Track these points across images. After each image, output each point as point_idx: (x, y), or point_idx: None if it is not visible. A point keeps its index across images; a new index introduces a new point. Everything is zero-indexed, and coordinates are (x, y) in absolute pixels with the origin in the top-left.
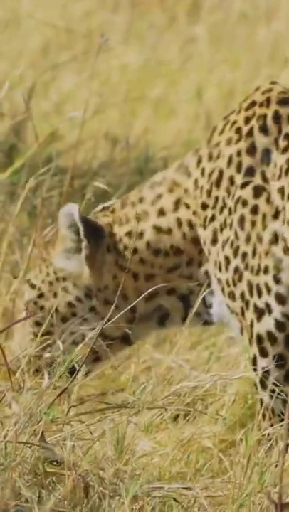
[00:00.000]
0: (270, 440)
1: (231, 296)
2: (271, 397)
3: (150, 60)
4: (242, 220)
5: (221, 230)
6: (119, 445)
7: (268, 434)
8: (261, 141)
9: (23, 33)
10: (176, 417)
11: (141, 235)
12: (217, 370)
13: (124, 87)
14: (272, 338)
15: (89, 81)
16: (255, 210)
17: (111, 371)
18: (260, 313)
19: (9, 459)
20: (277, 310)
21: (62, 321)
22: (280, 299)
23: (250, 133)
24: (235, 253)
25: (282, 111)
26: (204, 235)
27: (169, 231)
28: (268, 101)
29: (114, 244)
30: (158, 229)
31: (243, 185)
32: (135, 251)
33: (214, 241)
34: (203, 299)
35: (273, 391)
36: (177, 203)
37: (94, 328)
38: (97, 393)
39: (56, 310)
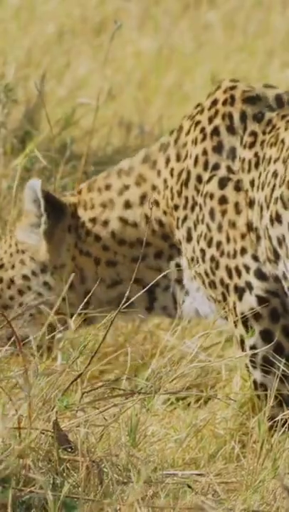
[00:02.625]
0: (283, 425)
1: (212, 285)
2: (263, 376)
3: (164, 47)
4: (212, 212)
5: (195, 227)
6: (133, 431)
7: (281, 420)
8: (228, 139)
9: (38, 20)
10: (188, 404)
11: (106, 223)
12: (229, 355)
13: (138, 73)
14: (255, 315)
15: (103, 68)
16: (223, 200)
17: (124, 357)
18: (241, 293)
19: (23, 445)
20: (258, 286)
21: (18, 293)
22: (261, 276)
23: (216, 132)
24: (210, 244)
25: (248, 110)
26: (179, 234)
27: (135, 225)
28: (232, 99)
29: (75, 226)
30: (124, 221)
31: (209, 180)
32: (98, 238)
33: (189, 239)
34: (173, 294)
35: (266, 371)
36: (143, 198)
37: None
38: (110, 379)
39: (13, 281)
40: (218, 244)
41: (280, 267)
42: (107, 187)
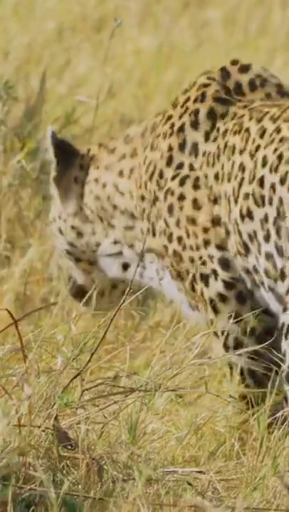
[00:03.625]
0: (283, 423)
1: (179, 277)
2: (237, 357)
3: (164, 45)
4: (170, 208)
5: (156, 221)
6: (133, 429)
7: (281, 417)
8: (191, 135)
9: (38, 18)
10: (188, 402)
11: (104, 185)
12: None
13: (138, 71)
14: (223, 298)
15: (103, 65)
16: (182, 197)
17: (124, 354)
18: (206, 279)
19: (24, 443)
20: (223, 274)
21: (58, 232)
22: (225, 264)
23: (181, 128)
24: (170, 239)
25: (217, 109)
26: (142, 225)
27: (122, 195)
28: (203, 96)
29: (82, 179)
30: (116, 188)
31: (173, 178)
32: (98, 198)
33: (154, 234)
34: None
35: (238, 351)
36: (132, 171)
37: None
38: (110, 377)
39: (53, 220)
40: (179, 239)
41: (250, 261)
42: (113, 150)
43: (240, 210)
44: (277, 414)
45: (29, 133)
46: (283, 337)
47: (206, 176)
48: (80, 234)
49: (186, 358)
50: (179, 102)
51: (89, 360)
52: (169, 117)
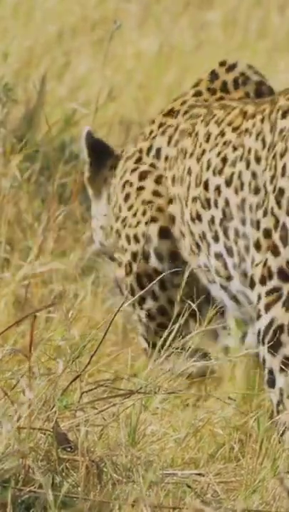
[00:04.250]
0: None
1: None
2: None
3: (164, 46)
4: (127, 196)
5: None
6: (132, 431)
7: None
8: (158, 140)
9: (38, 20)
10: (186, 404)
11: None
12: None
13: (138, 72)
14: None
15: (103, 67)
16: (140, 188)
17: (123, 356)
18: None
19: (23, 445)
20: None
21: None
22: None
23: (153, 135)
24: (117, 220)
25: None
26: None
27: None
28: (177, 112)
29: (110, 180)
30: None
31: (132, 171)
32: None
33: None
34: None
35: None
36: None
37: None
38: (110, 379)
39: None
40: (124, 219)
41: (201, 259)
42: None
43: (190, 213)
44: (277, 417)
45: (29, 135)
46: (260, 343)
47: (165, 178)
48: (107, 235)
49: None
50: (162, 112)
51: (88, 363)
52: (152, 122)
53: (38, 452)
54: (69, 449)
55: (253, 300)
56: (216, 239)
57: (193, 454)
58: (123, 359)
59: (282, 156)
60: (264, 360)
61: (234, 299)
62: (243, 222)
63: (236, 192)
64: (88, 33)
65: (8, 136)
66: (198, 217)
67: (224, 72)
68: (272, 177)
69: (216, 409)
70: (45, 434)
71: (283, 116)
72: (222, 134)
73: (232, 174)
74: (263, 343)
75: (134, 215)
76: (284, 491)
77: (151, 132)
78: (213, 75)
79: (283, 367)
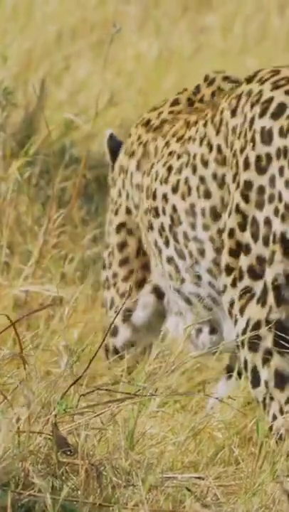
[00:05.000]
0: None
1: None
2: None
3: (164, 50)
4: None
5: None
6: (131, 434)
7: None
8: (131, 164)
9: (37, 22)
10: (182, 406)
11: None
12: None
13: (138, 76)
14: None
15: (103, 70)
16: (119, 194)
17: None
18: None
19: (22, 449)
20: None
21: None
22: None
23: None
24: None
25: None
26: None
27: None
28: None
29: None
30: None
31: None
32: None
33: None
34: None
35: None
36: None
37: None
38: (109, 383)
39: None
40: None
41: (159, 267)
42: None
43: (146, 224)
44: (277, 420)
45: (29, 139)
46: (241, 347)
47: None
48: None
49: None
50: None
51: (88, 367)
52: (144, 120)
53: (37, 456)
54: (68, 453)
55: (224, 304)
56: (167, 244)
57: (193, 457)
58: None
59: (242, 151)
60: (246, 362)
61: (187, 300)
62: (193, 226)
63: (183, 198)
64: (87, 35)
65: (8, 139)
66: (151, 227)
67: (205, 86)
68: (235, 175)
69: (215, 412)
70: (44, 437)
71: (233, 115)
72: (167, 145)
73: (178, 181)
74: (243, 346)
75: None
76: (283, 494)
77: (131, 145)
78: (196, 89)
79: (266, 359)
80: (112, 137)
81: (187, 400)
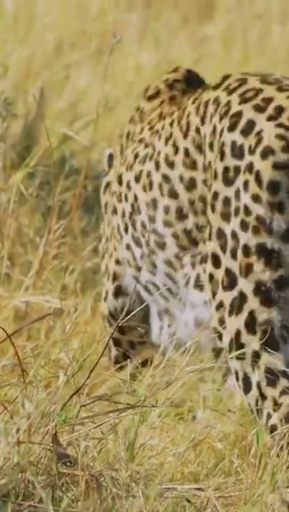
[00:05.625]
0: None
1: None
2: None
3: (164, 61)
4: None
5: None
6: (131, 445)
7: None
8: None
9: (37, 33)
10: (182, 417)
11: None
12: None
13: (138, 86)
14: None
15: (103, 81)
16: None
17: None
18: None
19: (23, 460)
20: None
21: None
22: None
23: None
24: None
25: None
26: None
27: None
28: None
29: None
30: None
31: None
32: None
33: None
34: None
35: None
36: None
37: None
38: (108, 393)
39: None
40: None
41: (120, 253)
42: None
43: (111, 207)
44: (277, 431)
45: (29, 149)
46: (229, 361)
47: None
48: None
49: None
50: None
51: (88, 378)
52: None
53: (37, 466)
54: (68, 464)
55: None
56: (126, 230)
57: (193, 468)
58: (121, 372)
59: (212, 162)
60: (237, 373)
61: (146, 289)
62: (153, 219)
63: (145, 190)
64: (87, 46)
65: (8, 150)
66: (115, 211)
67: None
68: (211, 184)
69: (215, 423)
70: (44, 448)
71: (202, 122)
72: (141, 131)
73: (140, 171)
74: (231, 352)
75: (108, 239)
76: (283, 505)
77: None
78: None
79: (254, 361)
80: (111, 157)
81: (187, 411)
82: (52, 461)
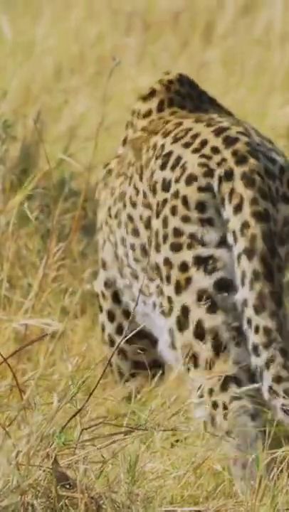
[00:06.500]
0: (281, 462)
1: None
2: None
3: None
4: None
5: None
6: (132, 468)
7: (280, 456)
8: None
9: (36, 57)
10: (183, 438)
11: None
12: None
13: None
14: (103, 295)
15: (102, 104)
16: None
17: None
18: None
19: (22, 482)
20: (103, 274)
21: None
22: (104, 265)
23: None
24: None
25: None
26: None
27: None
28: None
29: None
30: None
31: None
32: None
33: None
34: None
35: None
36: None
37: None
38: (108, 416)
39: None
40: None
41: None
42: None
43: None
44: (276, 454)
45: (27, 172)
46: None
47: None
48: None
49: (181, 394)
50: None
51: (87, 400)
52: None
53: (37, 489)
54: (68, 486)
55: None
56: (116, 260)
57: (193, 491)
58: (121, 394)
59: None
60: (193, 381)
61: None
62: (126, 255)
63: (119, 227)
64: (86, 70)
65: (7, 173)
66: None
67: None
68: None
69: (214, 446)
70: (44, 471)
71: (146, 167)
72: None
73: (117, 210)
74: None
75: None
76: None
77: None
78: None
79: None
80: (104, 179)
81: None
82: (51, 484)
